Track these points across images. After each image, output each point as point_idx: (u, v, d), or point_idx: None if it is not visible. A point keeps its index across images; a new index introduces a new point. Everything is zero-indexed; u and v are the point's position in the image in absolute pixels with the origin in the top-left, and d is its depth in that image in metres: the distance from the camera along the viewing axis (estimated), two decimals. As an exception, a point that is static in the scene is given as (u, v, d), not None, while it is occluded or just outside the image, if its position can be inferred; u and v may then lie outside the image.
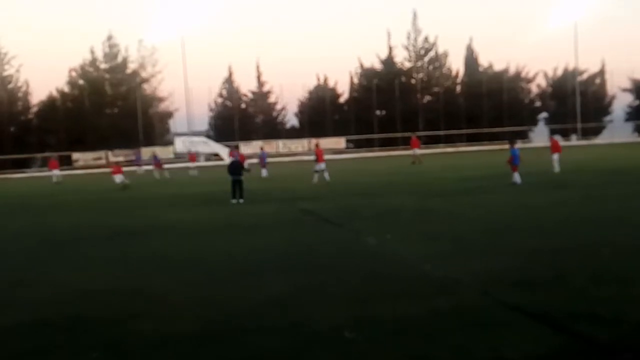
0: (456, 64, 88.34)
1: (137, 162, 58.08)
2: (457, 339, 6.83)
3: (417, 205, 19.61)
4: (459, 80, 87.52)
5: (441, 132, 78.56)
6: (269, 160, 44.10)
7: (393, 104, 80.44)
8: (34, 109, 79.64)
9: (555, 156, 29.47)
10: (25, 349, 7.29)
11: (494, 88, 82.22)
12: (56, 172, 48.25)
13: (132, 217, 20.73)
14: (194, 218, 19.29)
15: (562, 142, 78.05)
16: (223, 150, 62.27)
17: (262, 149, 47.48)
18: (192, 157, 50.63)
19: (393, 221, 16.45)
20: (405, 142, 68.98)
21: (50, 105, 77.60)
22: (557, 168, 29.12)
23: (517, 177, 24.29)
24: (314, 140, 75.51)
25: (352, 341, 6.92)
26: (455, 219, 16.26)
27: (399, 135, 76.15)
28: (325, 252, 12.40)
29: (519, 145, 29.94)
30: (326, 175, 31.22)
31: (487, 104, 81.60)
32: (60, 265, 12.51)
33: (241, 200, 23.05)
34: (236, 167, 23.82)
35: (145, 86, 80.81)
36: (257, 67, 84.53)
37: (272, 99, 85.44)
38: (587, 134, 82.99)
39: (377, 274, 10.10)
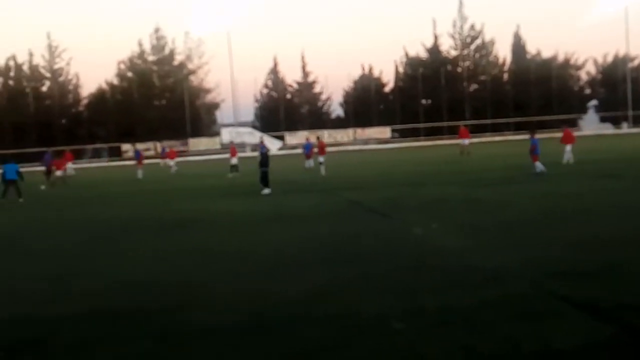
0: (503, 52, 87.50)
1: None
2: (505, 330, 6.78)
3: (463, 195, 19.46)
4: (506, 68, 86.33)
5: (488, 121, 77.61)
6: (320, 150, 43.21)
7: (439, 93, 79.73)
8: (84, 102, 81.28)
9: (568, 147, 28.57)
10: (78, 338, 7.46)
11: (542, 75, 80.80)
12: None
13: (181, 208, 21.04)
14: (241, 209, 19.47)
15: (612, 130, 76.73)
16: (269, 141, 62.59)
17: (307, 139, 45.59)
18: (233, 150, 47.03)
19: (439, 211, 16.36)
20: (452, 132, 68.37)
21: (99, 98, 79.11)
22: (568, 159, 28.33)
23: (539, 166, 24.03)
24: (359, 130, 75.57)
25: (399, 331, 6.92)
26: (502, 209, 16.10)
27: (444, 124, 75.50)
28: (371, 242, 12.40)
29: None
30: (322, 169, 31.70)
31: (535, 92, 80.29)
32: (111, 257, 12.74)
33: (265, 191, 23.33)
34: (262, 159, 24.11)
35: (192, 78, 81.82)
36: (302, 58, 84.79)
37: (317, 89, 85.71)
38: (638, 122, 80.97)
39: (423, 264, 10.08)
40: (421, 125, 77.99)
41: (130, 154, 70.59)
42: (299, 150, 49.85)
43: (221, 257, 12.00)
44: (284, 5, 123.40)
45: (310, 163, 36.82)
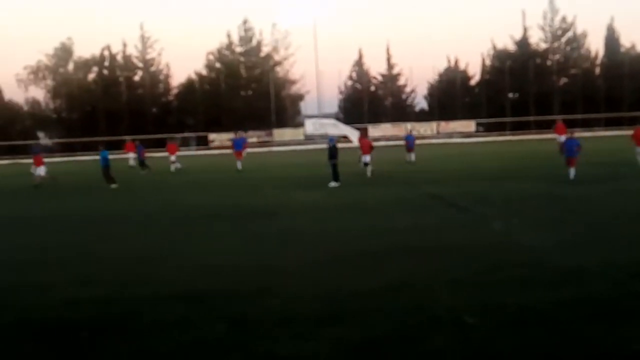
0: (595, 45, 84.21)
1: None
2: (584, 330, 6.68)
3: (548, 191, 19.00)
4: (598, 61, 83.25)
5: (578, 116, 75.11)
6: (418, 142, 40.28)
7: (526, 86, 77.70)
8: (174, 91, 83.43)
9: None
10: (159, 319, 7.80)
11: (636, 69, 77.54)
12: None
13: (260, 196, 21.44)
14: (320, 199, 19.67)
15: None
16: (352, 133, 62.65)
17: (410, 132, 41.84)
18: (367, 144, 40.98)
19: (522, 207, 16.08)
20: (539, 126, 66.63)
21: (189, 88, 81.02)
22: None
23: (571, 172, 21.78)
24: (443, 124, 74.71)
25: (473, 327, 6.91)
26: (587, 206, 15.70)
27: (531, 118, 73.62)
28: (450, 236, 12.36)
29: None
30: (369, 170, 26.85)
31: (628, 87, 77.14)
32: (193, 243, 13.18)
33: (332, 184, 23.31)
34: (331, 152, 24.20)
35: (278, 69, 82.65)
36: (387, 50, 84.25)
37: (401, 81, 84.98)
38: None
39: (502, 260, 9.98)
40: (507, 119, 76.29)
41: (217, 143, 72.17)
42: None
43: (298, 245, 12.23)
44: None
45: (411, 157, 34.61)
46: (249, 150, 52.85)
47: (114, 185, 26.84)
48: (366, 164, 26.71)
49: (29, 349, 7.07)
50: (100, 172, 28.25)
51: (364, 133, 27.49)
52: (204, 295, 8.76)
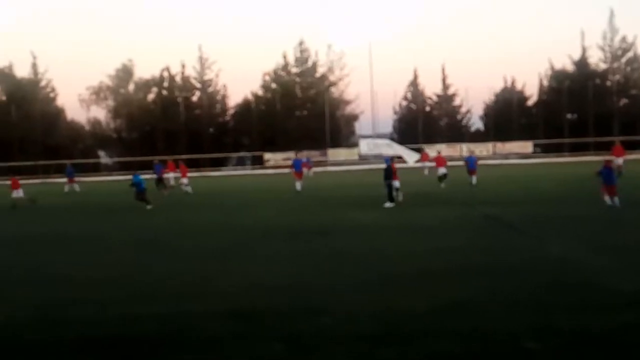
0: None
1: (308, 164, 59.50)
2: (646, 356, 6.54)
3: (608, 214, 18.58)
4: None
5: (638, 137, 73.27)
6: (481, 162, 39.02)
7: (585, 107, 76.25)
8: (231, 111, 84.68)
9: None
10: (213, 335, 7.91)
11: (698, 90, 75.34)
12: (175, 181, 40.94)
13: (314, 216, 21.53)
14: (375, 219, 19.64)
15: None
16: (406, 153, 62.44)
17: (472, 153, 40.02)
18: (440, 159, 36.82)
19: (580, 229, 15.78)
20: (598, 148, 65.22)
21: (245, 108, 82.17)
22: None
23: (607, 199, 20.32)
24: (499, 145, 73.81)
25: (532, 351, 6.81)
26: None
27: (590, 140, 72.11)
28: (507, 258, 12.19)
29: None
30: (400, 195, 25.10)
31: (692, 108, 74.94)
32: (247, 261, 13.32)
33: (387, 204, 23.25)
34: (387, 173, 24.14)
35: (333, 89, 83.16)
36: (443, 70, 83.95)
37: (457, 101, 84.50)
38: None
39: (560, 283, 9.80)
40: (565, 140, 74.96)
41: (272, 162, 72.80)
42: (428, 164, 49.12)
43: (353, 264, 12.24)
44: (425, 17, 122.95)
45: (473, 179, 32.99)
46: (307, 170, 53.23)
47: (149, 207, 26.54)
48: (397, 189, 24.81)
49: (90, 362, 7.26)
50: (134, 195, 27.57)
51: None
52: (259, 313, 8.84)
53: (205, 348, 7.47)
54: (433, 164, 52.03)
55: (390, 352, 7.01)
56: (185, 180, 37.21)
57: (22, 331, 8.47)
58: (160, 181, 37.48)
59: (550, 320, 7.84)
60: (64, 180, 46.23)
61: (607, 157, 23.25)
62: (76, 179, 45.65)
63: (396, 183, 24.90)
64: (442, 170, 33.97)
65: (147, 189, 27.73)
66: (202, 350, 7.39)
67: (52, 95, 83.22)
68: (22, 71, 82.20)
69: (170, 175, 42.22)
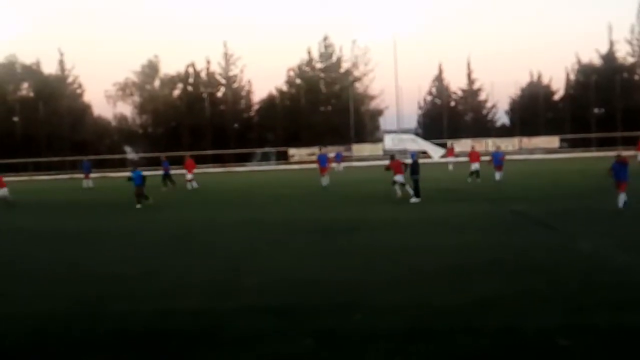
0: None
1: (337, 159, 59.54)
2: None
3: (637, 209, 18.38)
4: (690, 76, 79.93)
5: (666, 132, 72.24)
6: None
7: (613, 101, 75.34)
8: (255, 107, 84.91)
9: None
10: (247, 331, 7.97)
11: None
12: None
13: (341, 211, 21.56)
14: (402, 215, 19.61)
15: None
16: (431, 148, 62.12)
17: (497, 148, 38.54)
18: (475, 155, 35.41)
19: (611, 225, 15.65)
20: (626, 142, 64.45)
21: (269, 103, 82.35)
22: None
23: (621, 198, 19.09)
24: (525, 140, 73.24)
25: (565, 349, 6.79)
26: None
27: (618, 134, 71.25)
28: (537, 255, 12.14)
29: None
30: (408, 189, 24.53)
31: None
32: (276, 257, 13.40)
33: (414, 199, 23.25)
34: (413, 168, 24.12)
35: (357, 85, 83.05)
36: (468, 65, 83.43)
37: (482, 96, 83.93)
38: None
39: (592, 281, 9.75)
40: (592, 135, 74.15)
41: (297, 158, 72.90)
42: (452, 159, 48.84)
43: (381, 260, 12.27)
44: (450, 12, 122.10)
45: (498, 175, 32.46)
46: (337, 165, 53.01)
47: (138, 206, 25.92)
48: (402, 184, 24.76)
49: (124, 357, 7.38)
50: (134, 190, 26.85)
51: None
52: (290, 308, 8.91)
53: (237, 343, 7.55)
54: (456, 159, 52.01)
55: (421, 348, 7.04)
56: (189, 176, 36.87)
57: (64, 325, 8.62)
58: (167, 177, 37.24)
59: (583, 317, 7.82)
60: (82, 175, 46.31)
61: (619, 152, 22.42)
62: (91, 175, 45.41)
63: (399, 177, 24.76)
64: (475, 166, 33.62)
65: (144, 185, 26.87)
66: (234, 345, 7.47)
67: (78, 91, 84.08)
68: (49, 68, 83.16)
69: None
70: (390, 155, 26.40)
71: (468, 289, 9.52)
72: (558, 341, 6.97)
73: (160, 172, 38.33)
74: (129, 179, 27.44)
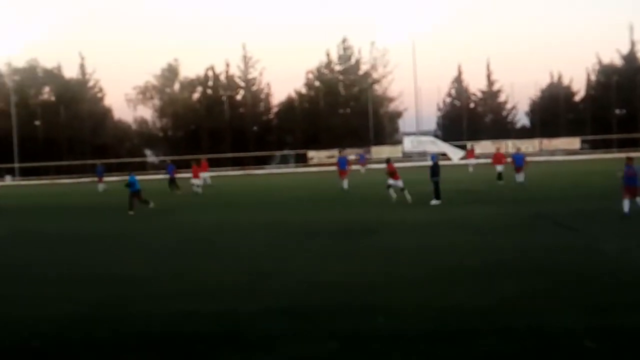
0: None
1: (361, 161, 59.54)
2: None
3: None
4: None
5: (688, 132, 71.41)
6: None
7: (635, 102, 74.63)
8: (274, 110, 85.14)
9: None
10: (270, 333, 7.96)
11: None
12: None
13: (361, 213, 21.52)
14: (422, 216, 19.52)
15: None
16: (451, 150, 61.92)
17: (518, 150, 37.08)
18: (500, 156, 35.32)
19: (633, 227, 15.50)
20: (649, 143, 63.89)
21: (288, 106, 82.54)
22: None
23: (625, 204, 18.00)
24: (545, 141, 72.68)
25: (592, 351, 6.73)
26: None
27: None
28: (561, 256, 12.04)
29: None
30: (394, 194, 24.63)
31: None
32: (297, 259, 13.41)
33: (434, 201, 23.13)
34: (434, 170, 23.98)
35: (376, 87, 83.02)
36: (488, 66, 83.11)
37: (502, 97, 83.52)
38: None
39: (618, 282, 9.65)
40: (614, 136, 73.50)
41: (316, 160, 72.93)
42: (473, 161, 48.58)
43: (402, 262, 12.24)
44: (470, 14, 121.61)
45: (519, 177, 31.20)
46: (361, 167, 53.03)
47: (131, 213, 24.91)
48: (402, 189, 24.40)
49: (149, 359, 7.41)
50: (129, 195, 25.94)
51: (390, 159, 24.89)
52: (313, 311, 8.91)
53: (260, 346, 7.55)
54: (477, 160, 51.78)
55: (445, 350, 7.01)
56: (195, 181, 36.25)
57: (88, 327, 8.67)
58: (172, 181, 37.01)
59: (609, 319, 7.74)
60: (96, 179, 46.47)
61: (629, 154, 21.15)
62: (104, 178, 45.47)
63: (399, 183, 24.56)
64: (499, 168, 33.44)
65: (141, 190, 26.10)
66: (257, 348, 7.47)
67: (99, 95, 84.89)
68: (70, 72, 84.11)
69: (205, 175, 41.31)
70: (386, 159, 26.30)
71: (491, 290, 9.46)
72: (586, 344, 6.89)
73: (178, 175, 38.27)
74: (127, 184, 26.08)
